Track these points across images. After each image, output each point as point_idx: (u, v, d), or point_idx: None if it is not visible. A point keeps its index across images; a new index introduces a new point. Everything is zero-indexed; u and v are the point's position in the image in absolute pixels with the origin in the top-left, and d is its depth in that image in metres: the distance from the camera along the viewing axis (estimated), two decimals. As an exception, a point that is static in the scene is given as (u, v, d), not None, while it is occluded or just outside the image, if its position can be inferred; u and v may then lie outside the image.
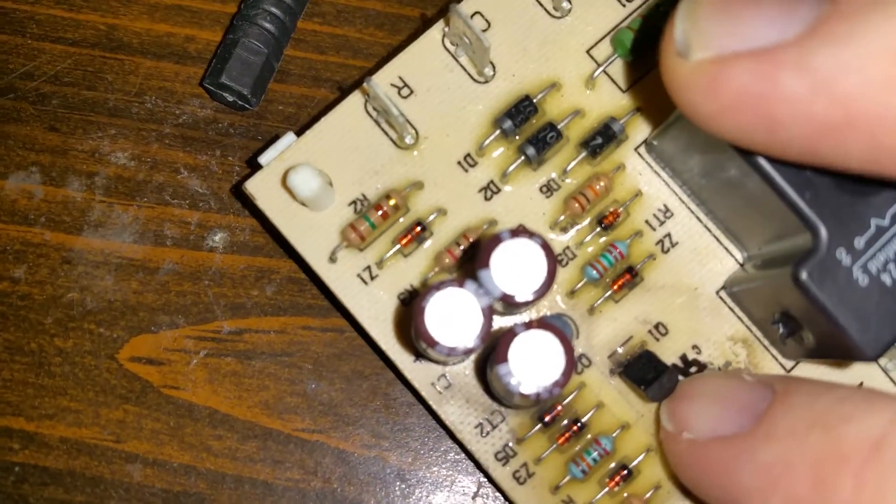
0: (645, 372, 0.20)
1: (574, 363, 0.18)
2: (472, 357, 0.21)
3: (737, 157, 0.17)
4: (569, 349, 0.17)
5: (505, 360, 0.17)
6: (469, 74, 0.22)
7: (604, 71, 0.22)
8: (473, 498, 0.23)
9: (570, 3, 0.22)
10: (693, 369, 0.21)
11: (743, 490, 0.17)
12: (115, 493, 0.22)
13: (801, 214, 0.17)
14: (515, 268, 0.17)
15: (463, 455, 0.23)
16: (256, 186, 0.21)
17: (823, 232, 0.17)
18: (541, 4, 0.22)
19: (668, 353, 0.21)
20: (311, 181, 0.19)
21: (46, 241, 0.23)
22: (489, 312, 0.17)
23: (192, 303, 0.23)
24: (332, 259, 0.20)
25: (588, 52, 0.22)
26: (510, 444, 0.20)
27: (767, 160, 0.17)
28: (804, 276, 0.17)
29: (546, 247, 0.17)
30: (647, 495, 0.20)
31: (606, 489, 0.20)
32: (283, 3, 0.25)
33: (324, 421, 0.23)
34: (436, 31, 0.22)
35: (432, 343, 0.17)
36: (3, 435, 0.22)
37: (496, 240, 0.17)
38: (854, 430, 0.16)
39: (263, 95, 0.25)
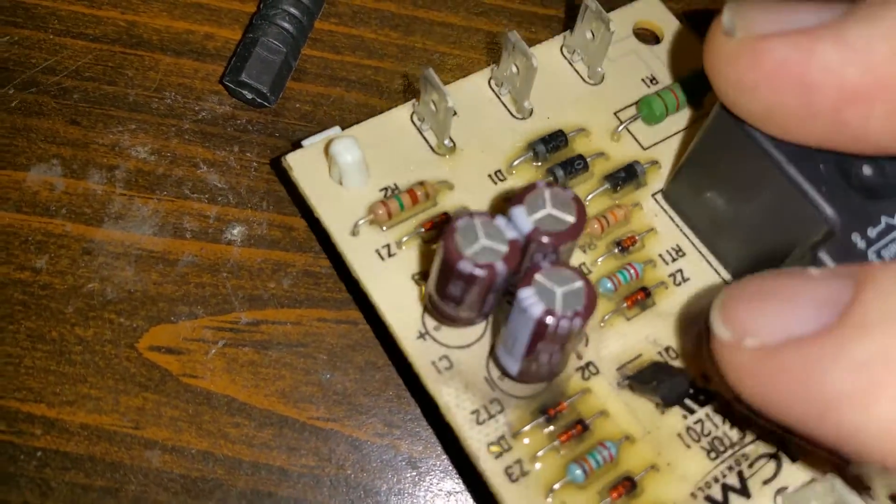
0: (656, 374, 0.20)
1: (595, 302, 0.17)
2: (483, 329, 0.21)
3: (754, 158, 0.18)
4: (591, 291, 0.17)
5: (529, 283, 0.17)
6: (509, 110, 0.24)
7: (626, 128, 0.24)
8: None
9: (603, 72, 0.24)
10: (701, 397, 0.20)
11: (834, 397, 0.14)
12: (134, 478, 0.22)
13: (817, 204, 0.18)
14: (547, 211, 0.18)
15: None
16: (295, 159, 0.22)
17: (839, 218, 0.18)
18: (577, 72, 0.25)
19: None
20: (352, 150, 0.21)
21: (67, 232, 0.24)
22: (517, 244, 0.18)
23: (210, 294, 0.24)
24: (354, 232, 0.21)
25: (615, 113, 0.24)
26: (506, 437, 0.19)
27: (785, 155, 0.18)
28: (823, 255, 0.17)
29: (578, 199, 0.18)
30: None
31: (608, 499, 0.19)
32: (301, 3, 0.26)
33: (338, 410, 0.23)
34: (480, 76, 0.24)
35: (457, 257, 0.17)
36: (26, 421, 0.23)
37: (531, 186, 0.18)
38: None
39: (281, 93, 0.26)
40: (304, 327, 0.24)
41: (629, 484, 0.19)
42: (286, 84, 0.26)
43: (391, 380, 0.24)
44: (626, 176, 0.23)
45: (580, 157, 0.23)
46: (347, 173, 0.21)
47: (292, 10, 0.26)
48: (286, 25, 0.26)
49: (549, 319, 0.17)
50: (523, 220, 0.18)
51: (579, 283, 0.17)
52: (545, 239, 0.18)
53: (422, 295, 0.21)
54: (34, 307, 0.23)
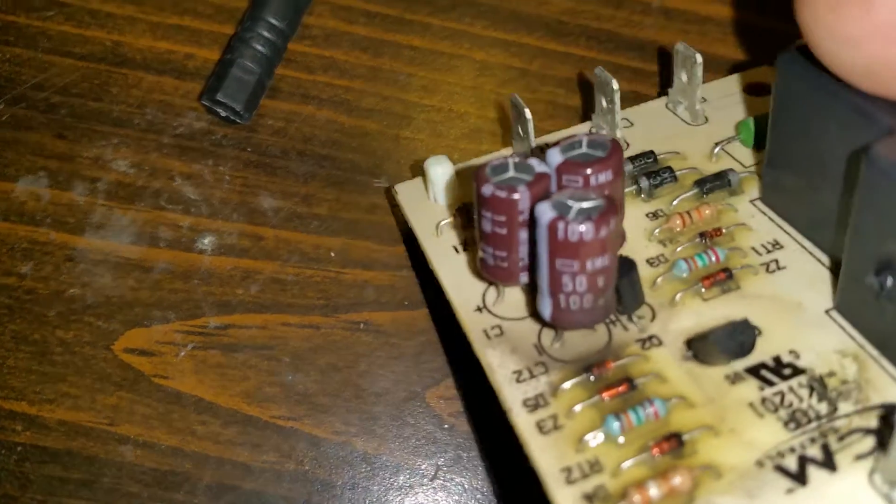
0: (717, 332, 0.18)
1: (615, 216, 0.17)
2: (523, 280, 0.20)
3: (832, 112, 0.18)
4: (612, 207, 0.17)
5: (548, 198, 0.17)
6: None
7: (724, 149, 0.24)
8: (432, 479, 0.25)
9: (703, 112, 0.25)
10: (787, 371, 0.18)
11: None
12: (108, 471, 0.24)
13: None
14: (581, 150, 0.19)
15: (423, 441, 0.25)
16: (403, 189, 0.25)
17: None
18: (678, 115, 0.26)
19: (760, 352, 0.19)
20: (447, 168, 0.24)
21: (52, 240, 0.26)
22: (545, 176, 0.18)
23: (182, 300, 0.26)
24: (438, 232, 0.23)
25: (715, 143, 0.25)
26: (544, 394, 0.18)
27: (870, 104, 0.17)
28: None
29: (615, 141, 0.18)
30: (697, 471, 0.16)
31: (646, 453, 0.17)
32: (275, 27, 0.28)
33: (299, 409, 0.25)
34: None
35: (483, 182, 0.18)
36: (7, 417, 0.24)
37: (572, 136, 0.19)
38: None
39: (255, 111, 0.28)
40: (269, 331, 0.26)
41: (675, 441, 0.17)
42: (260, 102, 0.28)
43: (350, 381, 0.26)
44: (718, 182, 0.22)
45: (668, 168, 0.23)
46: (435, 185, 0.24)
47: (267, 33, 0.28)
48: (261, 48, 0.28)
49: (559, 224, 0.16)
50: (556, 157, 0.18)
51: (600, 201, 0.17)
52: (573, 169, 0.18)
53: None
54: (18, 311, 0.25)
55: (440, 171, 0.23)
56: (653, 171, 0.23)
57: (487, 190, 0.18)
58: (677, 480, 0.16)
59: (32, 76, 0.28)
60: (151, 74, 0.28)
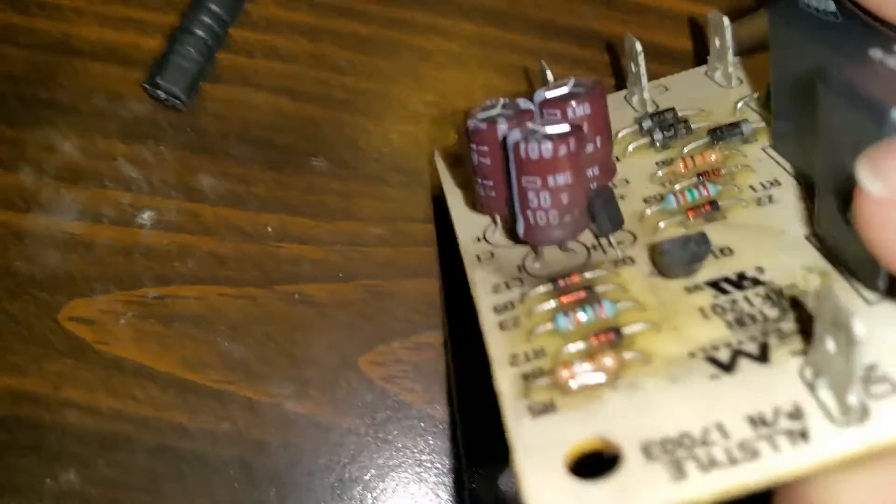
0: (668, 242, 0.19)
1: (581, 143, 0.19)
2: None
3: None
4: (582, 136, 0.19)
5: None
6: (631, 106, 0.27)
7: (747, 104, 0.25)
8: (363, 436, 0.27)
9: (740, 80, 0.26)
10: (746, 283, 0.19)
11: None
12: (53, 434, 0.27)
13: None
14: (566, 90, 0.21)
15: (355, 403, 0.27)
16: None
17: None
18: (715, 81, 0.27)
19: (725, 268, 0.20)
20: None
21: None
22: (528, 112, 0.21)
23: (123, 272, 0.28)
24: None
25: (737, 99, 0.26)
26: (513, 301, 0.20)
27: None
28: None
29: (598, 81, 0.21)
30: (627, 356, 0.17)
31: (585, 343, 0.18)
32: (217, 15, 0.30)
33: (234, 375, 0.27)
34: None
35: (471, 116, 0.21)
36: (-44, 385, 0.27)
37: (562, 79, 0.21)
38: None
39: (196, 95, 0.30)
40: (206, 302, 0.28)
41: (614, 334, 0.18)
42: (200, 87, 0.30)
43: (283, 349, 0.28)
44: (731, 131, 0.23)
45: (685, 121, 0.24)
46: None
47: (208, 20, 0.30)
48: (202, 35, 0.30)
49: (522, 144, 0.19)
50: (541, 95, 0.21)
51: (564, 127, 0.19)
52: (553, 104, 0.20)
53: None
54: (-33, 286, 0.27)
55: None
56: (669, 124, 0.24)
57: (472, 124, 0.20)
58: (606, 361, 0.17)
59: (-17, 66, 0.30)
60: (98, 63, 0.30)
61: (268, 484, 0.27)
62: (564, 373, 0.17)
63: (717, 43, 0.27)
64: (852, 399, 0.15)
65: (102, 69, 0.31)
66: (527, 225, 0.20)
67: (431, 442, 0.28)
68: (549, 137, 0.19)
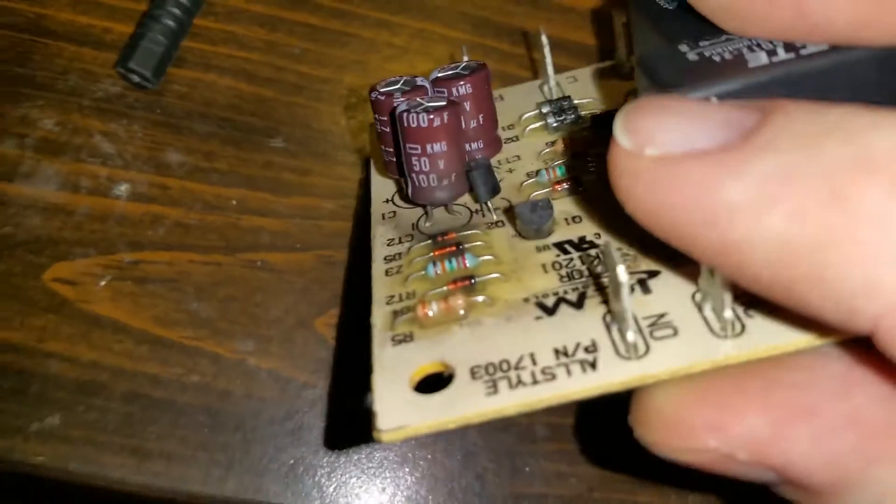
0: (520, 205, 0.23)
1: (456, 118, 0.22)
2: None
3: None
4: (456, 110, 0.22)
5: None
6: (542, 93, 0.30)
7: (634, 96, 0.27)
8: (318, 389, 0.31)
9: None
10: (585, 246, 0.22)
11: (726, 208, 0.15)
12: (36, 381, 0.30)
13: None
14: (456, 71, 0.25)
15: (311, 359, 0.32)
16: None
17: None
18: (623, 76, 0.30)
19: (571, 233, 0.23)
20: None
21: (-15, 187, 0.32)
22: (421, 88, 0.24)
23: (100, 238, 0.32)
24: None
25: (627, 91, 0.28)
26: (401, 253, 0.23)
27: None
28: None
29: (484, 64, 0.25)
30: (475, 299, 0.21)
31: (444, 288, 0.21)
32: (182, 4, 0.34)
33: (202, 332, 0.31)
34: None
35: (373, 90, 0.24)
36: (-53, 336, 0.30)
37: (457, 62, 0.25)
38: (887, 139, 0.14)
39: (163, 77, 0.34)
40: (175, 267, 0.32)
41: (469, 280, 0.21)
42: (167, 70, 0.34)
43: (247, 310, 0.32)
44: (611, 117, 0.27)
45: (575, 108, 0.27)
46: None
47: (175, 10, 0.34)
48: (169, 22, 0.34)
49: (405, 114, 0.22)
50: (434, 74, 0.24)
51: (443, 102, 0.22)
52: (441, 83, 0.24)
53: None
54: (-43, 247, 0.31)
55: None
56: (562, 110, 0.27)
57: (373, 95, 0.24)
58: (457, 302, 0.21)
59: (-36, 44, 0.33)
60: (72, 45, 0.34)
61: (233, 429, 0.31)
62: (422, 310, 0.21)
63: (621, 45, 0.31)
64: (630, 336, 0.18)
65: (76, 51, 0.34)
66: (413, 187, 0.23)
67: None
68: (427, 110, 0.22)
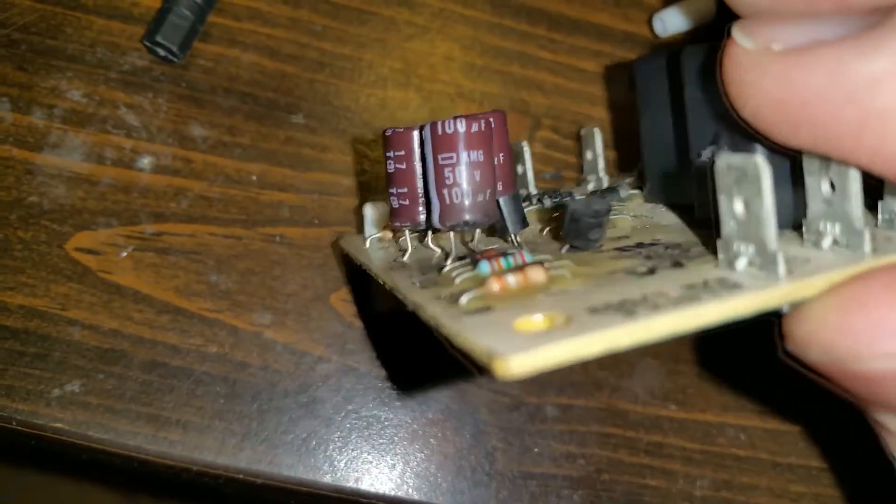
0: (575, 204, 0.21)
1: (486, 119, 0.22)
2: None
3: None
4: (489, 121, 0.22)
5: None
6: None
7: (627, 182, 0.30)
8: (333, 363, 0.32)
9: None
10: (643, 245, 0.22)
11: (867, 79, 0.15)
12: (59, 347, 0.30)
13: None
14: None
15: (326, 333, 0.32)
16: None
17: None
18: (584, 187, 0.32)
19: (622, 243, 0.23)
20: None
21: (13, 156, 0.32)
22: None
23: (123, 209, 0.32)
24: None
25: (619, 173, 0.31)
26: (434, 279, 0.21)
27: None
28: None
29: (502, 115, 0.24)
30: (557, 272, 0.19)
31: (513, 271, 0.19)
32: (209, -21, 0.34)
33: (221, 304, 0.32)
34: None
35: (387, 130, 0.23)
36: (-26, 301, 0.31)
37: None
38: None
39: (189, 52, 0.34)
40: (196, 239, 0.32)
41: (540, 265, 0.19)
42: (193, 45, 0.34)
43: (265, 283, 0.32)
44: (608, 190, 0.28)
45: (570, 193, 0.29)
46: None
47: (201, -15, 0.34)
48: (196, -2, 0.34)
49: (439, 123, 0.21)
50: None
51: (477, 118, 0.21)
52: (462, 116, 0.22)
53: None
54: (-17, 214, 0.31)
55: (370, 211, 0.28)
56: (555, 192, 0.29)
57: (389, 132, 0.23)
58: (536, 272, 0.19)
59: (-5, 15, 0.33)
60: (101, 18, 0.34)
61: (249, 400, 0.31)
62: (495, 284, 0.19)
63: (590, 156, 0.32)
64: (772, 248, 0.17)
65: (105, 24, 0.34)
66: (442, 206, 0.22)
67: (391, 370, 0.33)
68: (459, 117, 0.21)
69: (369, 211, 0.29)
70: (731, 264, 0.18)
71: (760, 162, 0.16)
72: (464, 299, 0.18)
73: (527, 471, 0.33)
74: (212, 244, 0.32)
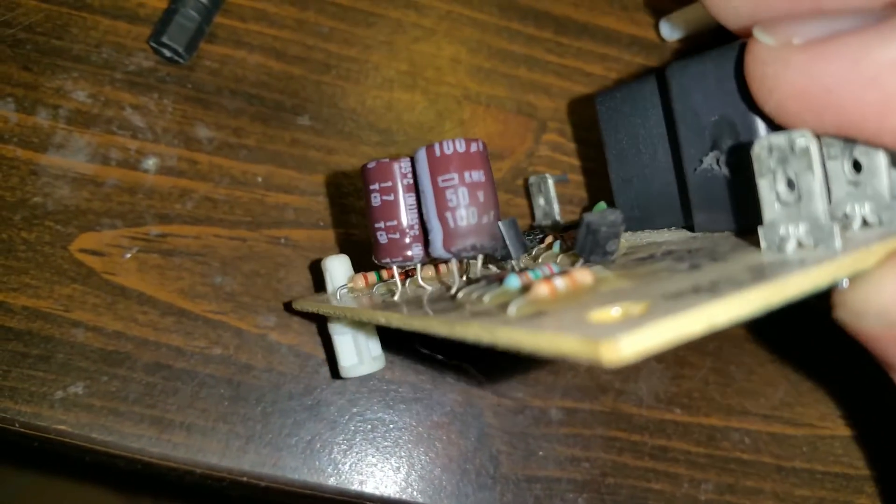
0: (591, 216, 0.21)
1: (481, 141, 0.21)
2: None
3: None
4: (482, 145, 0.21)
5: None
6: None
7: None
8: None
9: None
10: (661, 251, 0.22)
11: (889, 63, 0.16)
12: (62, 349, 0.30)
13: None
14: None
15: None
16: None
17: None
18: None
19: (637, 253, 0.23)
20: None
21: (18, 156, 0.32)
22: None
23: (128, 210, 0.32)
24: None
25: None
26: (448, 307, 0.20)
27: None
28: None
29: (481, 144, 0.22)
30: (602, 273, 0.19)
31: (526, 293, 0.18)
32: (215, -20, 0.34)
33: (226, 306, 0.31)
34: None
35: (368, 162, 0.23)
36: (-22, 302, 0.30)
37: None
38: None
39: (195, 53, 0.34)
40: (201, 241, 0.32)
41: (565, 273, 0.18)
42: (199, 46, 0.34)
43: (269, 285, 0.32)
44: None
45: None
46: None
47: (208, -14, 0.33)
48: (202, -1, 0.33)
49: (435, 145, 0.20)
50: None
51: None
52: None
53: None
54: (-12, 214, 0.31)
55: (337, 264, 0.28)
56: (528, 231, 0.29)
57: (371, 164, 0.22)
58: (583, 274, 0.18)
59: (1, 14, 0.33)
60: (107, 19, 0.34)
61: (254, 402, 0.31)
62: (546, 287, 0.17)
63: (542, 201, 0.32)
64: (827, 219, 0.17)
65: (111, 24, 0.34)
66: (446, 231, 0.21)
67: (397, 373, 0.32)
68: (458, 139, 0.20)
69: (334, 263, 0.28)
70: (779, 248, 0.18)
71: (809, 135, 0.17)
72: (512, 308, 0.17)
73: (531, 474, 0.33)
74: (217, 246, 0.32)
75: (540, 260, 0.25)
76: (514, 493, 0.32)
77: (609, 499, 0.33)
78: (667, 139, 0.25)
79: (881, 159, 0.18)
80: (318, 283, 0.32)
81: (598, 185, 0.35)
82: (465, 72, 0.37)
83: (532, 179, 0.32)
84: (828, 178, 0.19)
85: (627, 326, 0.14)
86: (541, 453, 0.33)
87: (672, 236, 0.25)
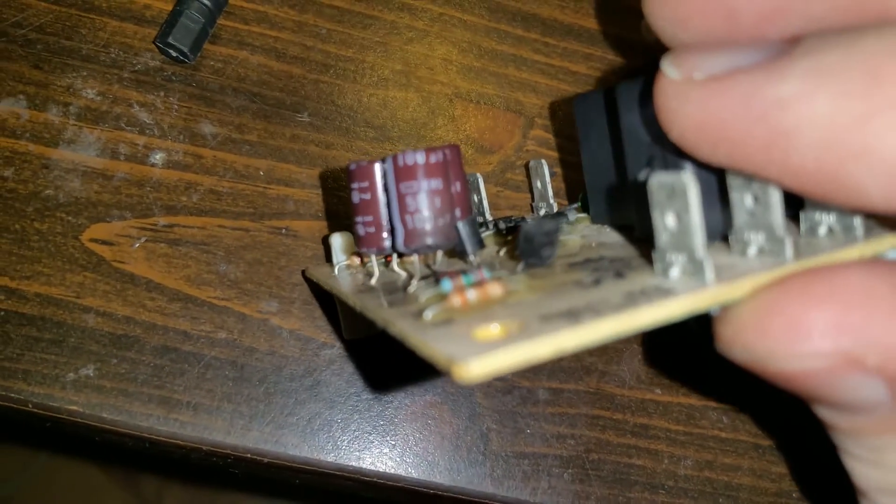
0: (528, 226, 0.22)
1: (443, 152, 0.22)
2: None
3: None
4: (447, 153, 0.22)
5: None
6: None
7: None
8: (336, 349, 0.32)
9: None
10: (591, 260, 0.23)
11: (776, 100, 0.16)
12: (74, 333, 0.30)
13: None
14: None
15: (332, 322, 0.32)
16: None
17: None
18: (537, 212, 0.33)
19: (570, 258, 0.24)
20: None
21: (30, 150, 0.32)
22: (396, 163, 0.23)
23: (136, 202, 0.32)
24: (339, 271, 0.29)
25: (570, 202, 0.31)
26: (401, 299, 0.22)
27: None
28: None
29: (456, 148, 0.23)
30: (512, 287, 0.20)
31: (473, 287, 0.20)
32: (218, -16, 0.34)
33: (230, 292, 0.32)
34: None
35: (350, 163, 0.24)
36: (-7, 289, 0.30)
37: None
38: None
39: (199, 53, 0.34)
40: (207, 231, 0.32)
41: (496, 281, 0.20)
42: (203, 46, 0.34)
43: (272, 273, 0.32)
44: (558, 214, 0.29)
45: (523, 217, 0.30)
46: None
47: (211, -11, 0.34)
48: (206, 1, 0.33)
49: (399, 156, 0.22)
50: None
51: (435, 151, 0.22)
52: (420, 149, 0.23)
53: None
54: (2, 206, 0.31)
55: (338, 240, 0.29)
56: (509, 218, 0.29)
57: (353, 165, 0.23)
58: (493, 287, 0.20)
59: (12, 15, 0.33)
60: (115, 20, 0.34)
61: (257, 383, 0.31)
62: (459, 297, 0.20)
63: (539, 185, 0.33)
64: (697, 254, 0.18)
65: (119, 26, 0.34)
66: (406, 231, 0.23)
67: (392, 354, 0.33)
68: (421, 150, 0.22)
69: (336, 240, 0.29)
70: (665, 273, 0.19)
71: (687, 178, 0.18)
72: (428, 314, 0.19)
73: (520, 451, 0.33)
74: (221, 236, 0.32)
75: (501, 253, 0.26)
76: (503, 468, 0.33)
77: (593, 474, 0.33)
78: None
79: (774, 194, 0.18)
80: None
81: (580, 179, 0.36)
82: (456, 71, 0.37)
83: (532, 163, 0.33)
84: (731, 206, 0.20)
85: (485, 349, 0.15)
86: (528, 431, 0.33)
87: (617, 239, 0.26)
